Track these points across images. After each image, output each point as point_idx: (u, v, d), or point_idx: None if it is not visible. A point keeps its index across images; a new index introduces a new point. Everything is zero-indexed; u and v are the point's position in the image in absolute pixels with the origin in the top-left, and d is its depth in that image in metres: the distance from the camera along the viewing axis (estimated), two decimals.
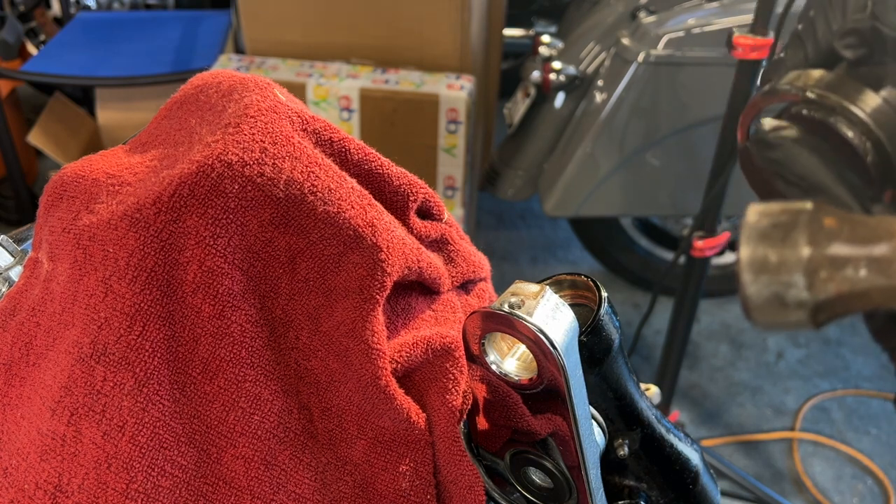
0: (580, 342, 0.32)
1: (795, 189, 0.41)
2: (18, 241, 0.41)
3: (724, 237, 1.29)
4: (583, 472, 0.34)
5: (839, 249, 0.29)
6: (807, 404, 1.69)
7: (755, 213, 0.31)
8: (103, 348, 0.31)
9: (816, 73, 0.45)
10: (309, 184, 0.34)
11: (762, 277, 0.30)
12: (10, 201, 2.02)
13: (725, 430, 1.62)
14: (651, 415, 0.37)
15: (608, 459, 0.37)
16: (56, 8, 2.45)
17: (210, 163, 0.32)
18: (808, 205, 0.31)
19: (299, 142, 0.35)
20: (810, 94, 0.40)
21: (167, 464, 0.32)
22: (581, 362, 0.31)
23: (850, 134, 0.38)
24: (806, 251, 0.30)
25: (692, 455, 0.39)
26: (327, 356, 0.35)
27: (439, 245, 0.43)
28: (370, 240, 0.35)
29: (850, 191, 0.39)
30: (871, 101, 0.38)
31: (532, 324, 0.29)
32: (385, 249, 0.36)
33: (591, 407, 0.34)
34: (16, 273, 0.39)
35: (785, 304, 0.30)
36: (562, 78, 1.57)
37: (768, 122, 0.43)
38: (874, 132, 0.38)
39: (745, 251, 0.30)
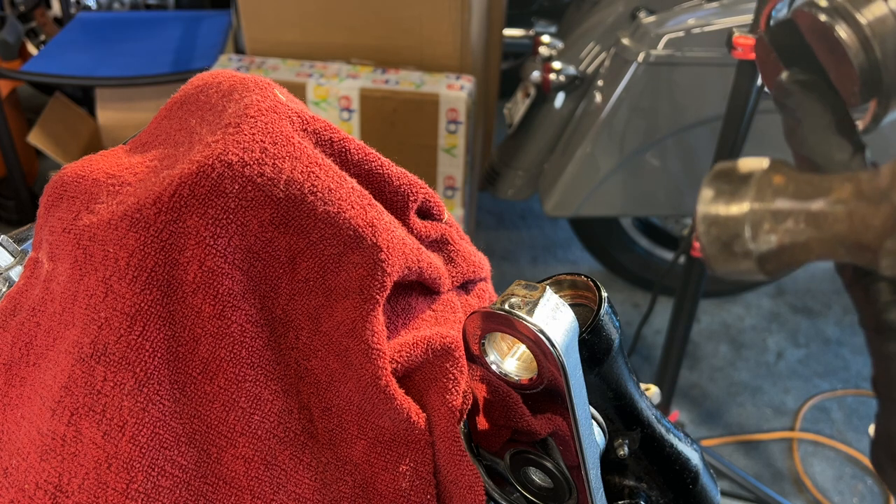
0: (580, 342, 0.32)
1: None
2: (18, 241, 0.41)
3: None
4: (583, 472, 0.34)
5: (782, 204, 0.31)
6: (807, 404, 1.69)
7: (714, 172, 0.34)
8: (103, 348, 0.31)
9: None
10: (309, 184, 0.34)
11: (713, 229, 0.33)
12: (10, 201, 2.02)
13: (725, 430, 1.62)
14: (651, 415, 0.37)
15: (608, 459, 0.37)
16: (56, 8, 2.45)
17: (210, 163, 0.32)
18: (765, 163, 0.33)
19: (299, 142, 0.35)
20: None
21: (167, 464, 0.32)
22: (581, 362, 0.31)
23: (843, 35, 0.39)
24: (750, 206, 0.32)
25: (692, 455, 0.39)
26: (327, 356, 0.35)
27: (439, 245, 0.43)
28: (370, 240, 0.35)
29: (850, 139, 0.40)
30: (877, 9, 0.39)
31: (532, 324, 0.29)
32: (385, 249, 0.36)
33: (591, 407, 0.34)
34: (16, 273, 0.39)
35: (733, 253, 0.32)
36: (562, 78, 1.57)
37: (784, 76, 0.45)
38: (869, 39, 0.39)
39: (700, 206, 0.33)
